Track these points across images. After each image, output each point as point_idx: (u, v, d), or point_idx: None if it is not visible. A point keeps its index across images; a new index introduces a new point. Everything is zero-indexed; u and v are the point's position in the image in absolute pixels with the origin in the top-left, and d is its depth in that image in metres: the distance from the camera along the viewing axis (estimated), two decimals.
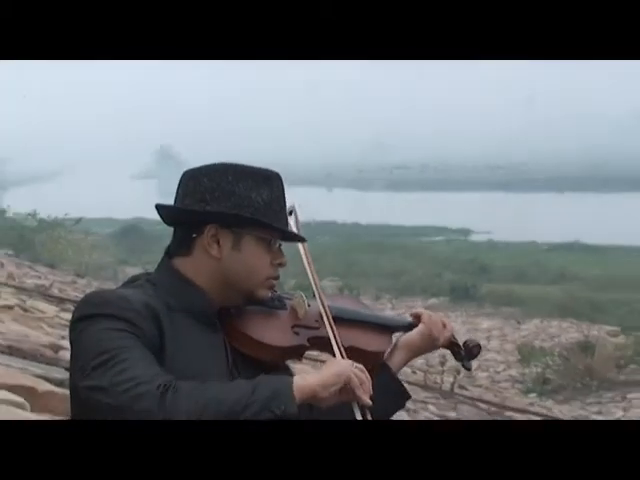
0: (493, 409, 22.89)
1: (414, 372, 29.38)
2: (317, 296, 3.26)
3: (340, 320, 3.26)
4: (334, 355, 3.16)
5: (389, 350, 3.44)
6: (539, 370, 33.90)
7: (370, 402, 2.94)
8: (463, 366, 3.63)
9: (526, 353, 35.90)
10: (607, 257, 61.56)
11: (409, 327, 3.45)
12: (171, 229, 3.28)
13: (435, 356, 32.42)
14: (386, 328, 3.43)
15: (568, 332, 39.01)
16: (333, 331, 3.19)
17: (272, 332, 3.18)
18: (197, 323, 3.11)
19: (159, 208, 3.21)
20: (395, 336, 3.56)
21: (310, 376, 2.91)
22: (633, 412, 30.80)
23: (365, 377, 2.95)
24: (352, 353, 3.20)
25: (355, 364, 2.97)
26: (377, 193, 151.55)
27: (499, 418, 20.67)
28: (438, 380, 25.70)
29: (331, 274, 50.25)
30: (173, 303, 3.07)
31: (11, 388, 7.06)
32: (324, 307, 3.24)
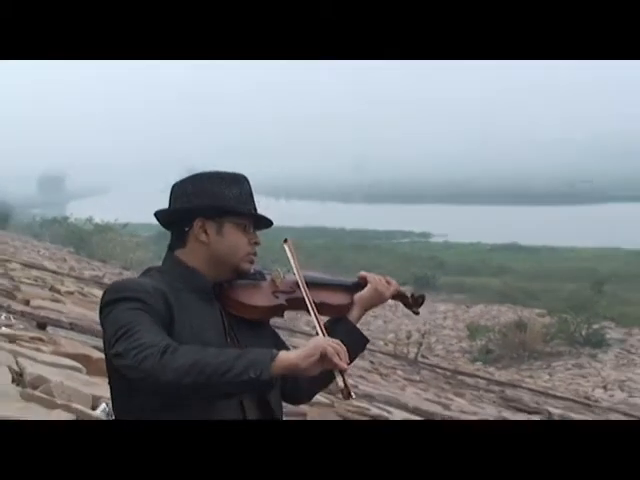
0: (448, 373, 22.87)
1: (386, 344, 29.38)
2: (294, 267, 3.24)
3: (311, 284, 3.25)
4: (308, 312, 3.14)
5: (352, 305, 3.38)
6: (483, 343, 34.06)
7: (346, 366, 2.83)
8: (413, 312, 3.57)
9: (473, 330, 35.89)
10: (537, 255, 61.29)
11: (362, 286, 3.39)
12: None
13: (402, 331, 32.69)
14: (345, 288, 3.39)
15: (506, 314, 38.98)
16: (306, 292, 3.17)
17: (257, 296, 3.16)
18: (197, 298, 3.08)
19: (157, 214, 3.24)
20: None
21: (292, 352, 2.82)
22: (557, 376, 30.89)
23: (340, 347, 2.83)
24: (323, 308, 3.23)
25: (330, 339, 2.88)
26: (357, 205, 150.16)
27: (453, 382, 20.85)
28: (405, 351, 25.78)
29: (321, 268, 50.16)
30: (177, 285, 3.06)
31: (72, 356, 7.08)
32: (299, 275, 3.22)
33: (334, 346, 2.81)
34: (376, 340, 30.49)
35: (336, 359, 2.79)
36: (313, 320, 3.14)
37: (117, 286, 3.07)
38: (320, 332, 3.03)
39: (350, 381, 2.80)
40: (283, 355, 2.75)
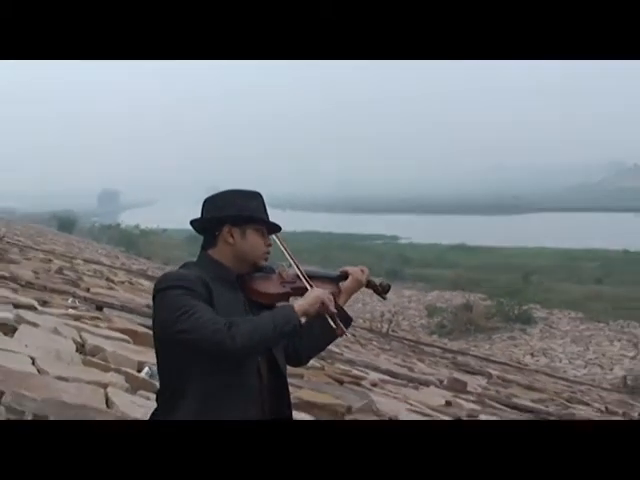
0: (412, 344, 22.87)
1: (364, 322, 29.40)
2: (293, 264, 3.27)
3: (308, 276, 3.26)
4: None
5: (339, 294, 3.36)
6: (439, 320, 34.11)
7: (335, 310, 3.05)
8: (382, 297, 3.55)
9: (431, 310, 35.97)
10: (480, 254, 61.28)
11: (345, 277, 3.38)
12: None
13: (377, 312, 32.66)
14: (333, 279, 3.38)
15: (456, 298, 38.97)
16: (306, 279, 3.21)
17: (270, 286, 3.21)
18: (225, 287, 3.10)
19: (192, 222, 3.25)
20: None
21: (300, 301, 3.01)
22: (495, 346, 30.93)
23: (331, 298, 3.04)
24: None
25: (324, 290, 3.09)
26: (342, 214, 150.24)
27: (415, 350, 20.87)
28: (379, 326, 25.86)
29: (315, 263, 50.31)
30: (210, 275, 3.07)
31: (122, 330, 7.11)
32: (299, 269, 3.24)
33: (328, 296, 3.04)
34: (357, 318, 30.67)
35: (330, 305, 3.02)
36: (306, 285, 3.20)
37: (169, 276, 3.07)
38: (307, 284, 3.17)
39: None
40: (297, 305, 2.97)
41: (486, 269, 49.00)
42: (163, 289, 2.98)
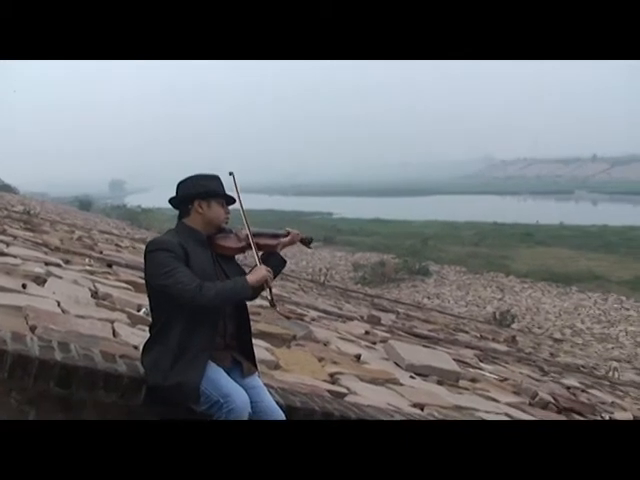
0: (341, 291, 23.07)
1: (307, 274, 29.46)
2: (246, 226, 3.28)
3: (256, 234, 3.30)
4: (255, 250, 3.24)
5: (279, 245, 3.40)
6: (361, 274, 34.32)
7: (272, 285, 3.11)
8: (308, 247, 3.64)
9: (357, 266, 36.00)
10: (391, 225, 60.92)
11: (285, 235, 3.43)
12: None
13: (317, 267, 32.66)
14: (276, 236, 3.42)
15: (374, 257, 39.05)
16: (253, 240, 3.24)
17: (230, 242, 3.23)
18: (198, 246, 3.11)
19: (170, 200, 3.26)
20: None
21: (250, 275, 3.05)
22: (402, 292, 31.22)
23: (271, 274, 3.11)
24: (263, 246, 3.34)
25: (266, 267, 3.13)
26: (292, 197, 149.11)
27: (344, 295, 20.98)
28: (318, 278, 25.82)
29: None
30: (186, 238, 3.08)
31: (126, 281, 7.03)
32: (249, 230, 3.26)
33: (269, 274, 3.10)
34: (301, 272, 30.67)
35: (270, 281, 3.10)
36: (254, 255, 3.26)
37: (156, 240, 3.12)
38: (259, 263, 3.21)
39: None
40: (248, 278, 3.05)
41: (395, 236, 49.09)
42: (153, 250, 3.04)
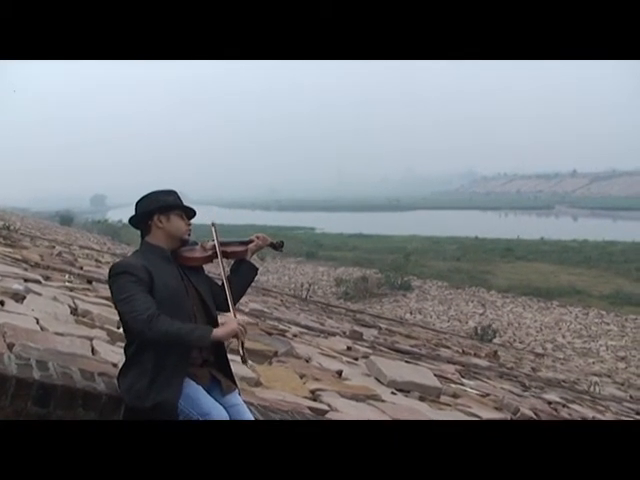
0: (324, 306, 22.86)
1: (290, 290, 29.39)
2: (215, 238, 3.22)
3: (223, 244, 3.26)
4: (220, 258, 3.18)
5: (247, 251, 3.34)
6: (344, 289, 34.09)
7: (245, 340, 2.92)
8: (279, 251, 3.50)
9: (339, 281, 35.73)
10: (373, 240, 61.17)
11: (251, 241, 3.36)
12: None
13: (299, 282, 32.65)
14: (243, 243, 3.36)
15: (356, 273, 38.92)
16: (220, 249, 3.20)
17: (196, 254, 3.19)
18: (164, 262, 3.06)
19: (130, 219, 3.20)
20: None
21: (219, 329, 2.89)
22: (384, 307, 31.12)
23: (244, 328, 2.92)
24: (231, 254, 3.29)
25: (241, 319, 2.96)
26: (273, 213, 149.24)
27: (326, 311, 20.92)
28: (300, 293, 25.81)
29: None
30: (151, 257, 3.03)
31: (106, 298, 6.62)
32: (217, 239, 3.22)
33: (241, 328, 2.89)
34: (283, 287, 30.62)
35: (241, 336, 2.89)
36: (219, 265, 3.17)
37: (118, 264, 3.03)
38: (232, 311, 3.04)
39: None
40: (216, 331, 2.85)
41: (378, 251, 49.16)
42: (115, 275, 2.96)
